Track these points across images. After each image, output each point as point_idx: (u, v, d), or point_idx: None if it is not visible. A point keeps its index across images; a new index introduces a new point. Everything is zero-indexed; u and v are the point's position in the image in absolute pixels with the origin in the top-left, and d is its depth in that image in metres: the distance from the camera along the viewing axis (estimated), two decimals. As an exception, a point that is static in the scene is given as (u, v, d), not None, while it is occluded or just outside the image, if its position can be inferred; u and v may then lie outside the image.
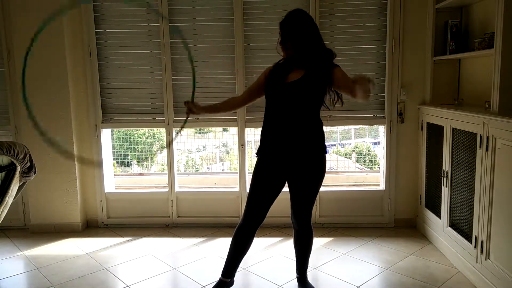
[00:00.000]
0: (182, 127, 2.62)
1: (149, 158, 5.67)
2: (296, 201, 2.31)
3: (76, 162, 3.59)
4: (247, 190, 3.61)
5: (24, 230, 3.68)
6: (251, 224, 2.30)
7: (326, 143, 2.27)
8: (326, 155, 2.27)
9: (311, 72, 2.10)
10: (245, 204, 2.32)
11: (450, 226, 2.94)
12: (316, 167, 2.22)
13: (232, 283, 2.45)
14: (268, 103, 2.22)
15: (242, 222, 2.32)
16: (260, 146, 2.29)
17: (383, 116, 3.53)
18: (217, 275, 2.72)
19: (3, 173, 2.37)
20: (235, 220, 3.61)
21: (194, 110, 2.36)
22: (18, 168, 2.42)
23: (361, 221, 3.62)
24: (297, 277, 2.56)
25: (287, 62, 2.19)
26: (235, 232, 2.34)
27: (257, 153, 2.30)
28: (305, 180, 2.23)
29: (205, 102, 3.63)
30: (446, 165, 2.94)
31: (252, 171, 2.32)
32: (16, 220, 3.69)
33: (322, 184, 2.30)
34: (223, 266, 2.41)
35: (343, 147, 7.07)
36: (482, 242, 2.48)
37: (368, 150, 6.59)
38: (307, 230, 2.37)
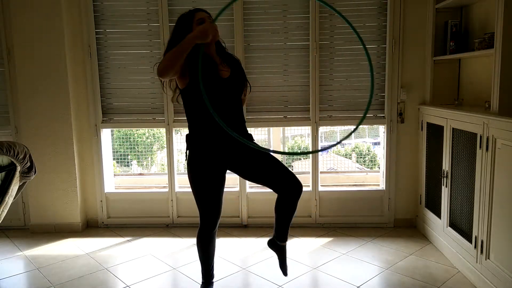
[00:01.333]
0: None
1: (149, 158, 5.67)
2: (262, 170, 2.19)
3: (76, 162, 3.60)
4: (247, 190, 3.63)
5: (24, 230, 3.68)
6: (209, 225, 2.28)
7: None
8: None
9: (236, 68, 2.24)
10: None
11: (450, 226, 2.94)
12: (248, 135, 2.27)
13: (212, 283, 2.46)
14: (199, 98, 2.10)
15: (203, 228, 2.30)
16: (194, 142, 2.20)
17: (383, 116, 3.53)
18: (217, 275, 2.73)
19: (3, 173, 2.37)
20: (235, 220, 3.61)
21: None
22: (18, 168, 2.42)
23: (361, 221, 3.62)
24: (278, 245, 2.36)
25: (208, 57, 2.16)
26: (201, 240, 2.33)
27: (190, 151, 2.21)
28: (249, 154, 2.19)
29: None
30: (446, 165, 2.94)
31: (189, 176, 2.23)
32: (16, 220, 3.69)
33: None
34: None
35: (343, 147, 7.06)
36: (482, 242, 2.48)
37: (368, 150, 6.59)
38: (299, 186, 2.17)
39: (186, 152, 2.25)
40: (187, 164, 2.23)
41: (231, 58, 2.28)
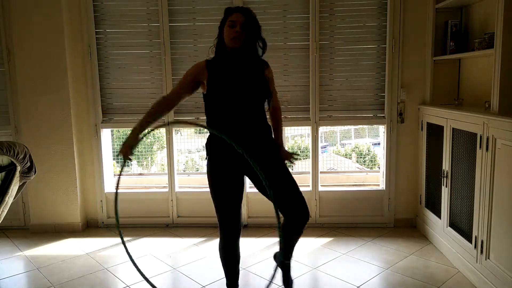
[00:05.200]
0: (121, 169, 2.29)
1: (149, 158, 5.67)
2: (277, 192, 2.08)
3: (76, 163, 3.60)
4: (247, 190, 3.62)
5: (24, 230, 3.68)
6: (230, 237, 2.20)
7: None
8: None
9: (259, 68, 2.16)
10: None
11: (450, 226, 2.94)
12: (271, 154, 2.17)
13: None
14: (220, 100, 2.08)
15: (221, 237, 2.22)
16: (212, 147, 2.14)
17: (383, 116, 3.53)
18: (217, 275, 2.73)
19: (3, 173, 2.37)
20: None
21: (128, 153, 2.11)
22: (18, 168, 2.42)
23: (361, 221, 3.62)
24: (280, 262, 2.34)
25: (232, 56, 2.10)
26: (220, 250, 2.27)
27: (208, 157, 2.16)
28: (268, 166, 2.09)
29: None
30: (446, 165, 2.94)
31: (209, 180, 2.17)
32: (16, 220, 3.69)
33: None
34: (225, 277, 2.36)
35: (343, 147, 7.06)
36: (482, 242, 2.48)
37: (368, 150, 6.58)
38: (305, 212, 2.10)
39: (206, 158, 2.19)
40: (206, 170, 2.18)
41: (257, 63, 2.17)
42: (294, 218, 2.11)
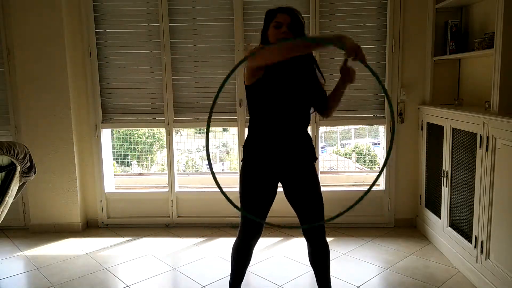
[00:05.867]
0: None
1: (149, 158, 5.67)
2: (302, 211, 2.09)
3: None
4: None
5: (24, 230, 3.68)
6: (249, 239, 2.13)
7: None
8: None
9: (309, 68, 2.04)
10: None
11: (450, 226, 2.94)
12: (308, 168, 2.10)
13: None
14: (265, 100, 1.99)
15: (239, 237, 2.15)
16: (250, 148, 2.07)
17: (383, 116, 3.53)
18: (217, 275, 2.73)
19: (3, 173, 2.37)
20: (236, 220, 3.61)
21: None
22: (18, 168, 2.42)
23: (361, 221, 3.62)
24: None
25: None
26: (234, 249, 2.20)
27: (245, 160, 2.08)
28: (302, 183, 2.08)
29: (205, 102, 3.62)
30: (446, 165, 2.94)
31: (240, 180, 2.10)
32: (16, 220, 3.69)
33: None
34: (229, 276, 2.33)
35: (343, 147, 7.06)
36: (482, 242, 2.48)
37: (368, 150, 6.58)
38: (322, 246, 2.11)
39: (241, 160, 2.12)
40: (240, 169, 2.13)
41: (308, 61, 2.05)
42: (311, 246, 2.13)
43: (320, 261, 2.15)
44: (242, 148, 2.11)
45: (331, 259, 3.01)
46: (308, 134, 2.10)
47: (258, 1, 3.45)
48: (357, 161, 6.39)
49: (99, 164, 3.69)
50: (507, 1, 2.34)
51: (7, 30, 3.49)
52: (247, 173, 2.07)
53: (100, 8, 3.54)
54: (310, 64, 2.06)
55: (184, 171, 5.47)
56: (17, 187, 2.51)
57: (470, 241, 2.62)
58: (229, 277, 2.27)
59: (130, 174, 5.03)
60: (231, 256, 2.23)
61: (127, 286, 2.69)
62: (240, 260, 2.22)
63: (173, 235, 3.54)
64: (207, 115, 3.33)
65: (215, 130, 5.94)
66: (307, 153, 2.08)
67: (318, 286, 2.21)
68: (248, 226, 2.11)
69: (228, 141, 6.18)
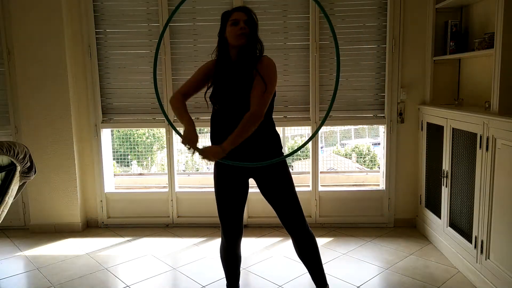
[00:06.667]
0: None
1: (149, 158, 5.67)
2: (277, 207, 2.11)
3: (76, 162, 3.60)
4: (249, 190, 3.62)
5: (24, 230, 3.68)
6: (231, 239, 2.18)
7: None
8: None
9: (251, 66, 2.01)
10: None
11: (450, 226, 2.94)
12: (276, 166, 2.07)
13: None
14: (214, 103, 2.05)
15: (222, 240, 2.21)
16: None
17: (383, 116, 3.53)
18: (217, 275, 2.73)
19: (3, 173, 2.37)
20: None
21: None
22: (18, 168, 2.42)
23: (361, 221, 3.62)
24: None
25: (239, 55, 2.02)
26: (220, 251, 2.26)
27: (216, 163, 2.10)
28: (272, 181, 2.08)
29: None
30: (446, 165, 2.94)
31: (214, 182, 2.15)
32: (16, 220, 3.69)
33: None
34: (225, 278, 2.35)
35: (343, 147, 7.06)
36: (482, 242, 2.48)
37: (368, 150, 6.58)
38: (304, 236, 2.13)
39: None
40: (215, 174, 2.15)
41: (250, 62, 2.02)
42: (294, 238, 2.15)
43: (306, 252, 2.16)
44: None
45: (331, 258, 3.02)
46: (270, 131, 2.07)
47: (258, 1, 3.45)
48: (357, 161, 6.39)
49: (99, 164, 3.69)
50: (507, 1, 2.34)
51: (7, 30, 3.49)
52: (219, 174, 2.12)
53: (100, 8, 3.54)
54: (250, 69, 1.99)
55: (184, 171, 5.47)
56: (17, 187, 2.51)
57: (470, 241, 2.62)
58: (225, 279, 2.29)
59: (130, 174, 5.03)
60: (221, 260, 2.28)
61: (127, 286, 2.69)
62: (230, 262, 2.26)
63: (173, 235, 3.54)
64: (207, 115, 3.33)
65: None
66: (268, 150, 2.06)
67: (313, 281, 2.23)
68: (227, 226, 2.16)
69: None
